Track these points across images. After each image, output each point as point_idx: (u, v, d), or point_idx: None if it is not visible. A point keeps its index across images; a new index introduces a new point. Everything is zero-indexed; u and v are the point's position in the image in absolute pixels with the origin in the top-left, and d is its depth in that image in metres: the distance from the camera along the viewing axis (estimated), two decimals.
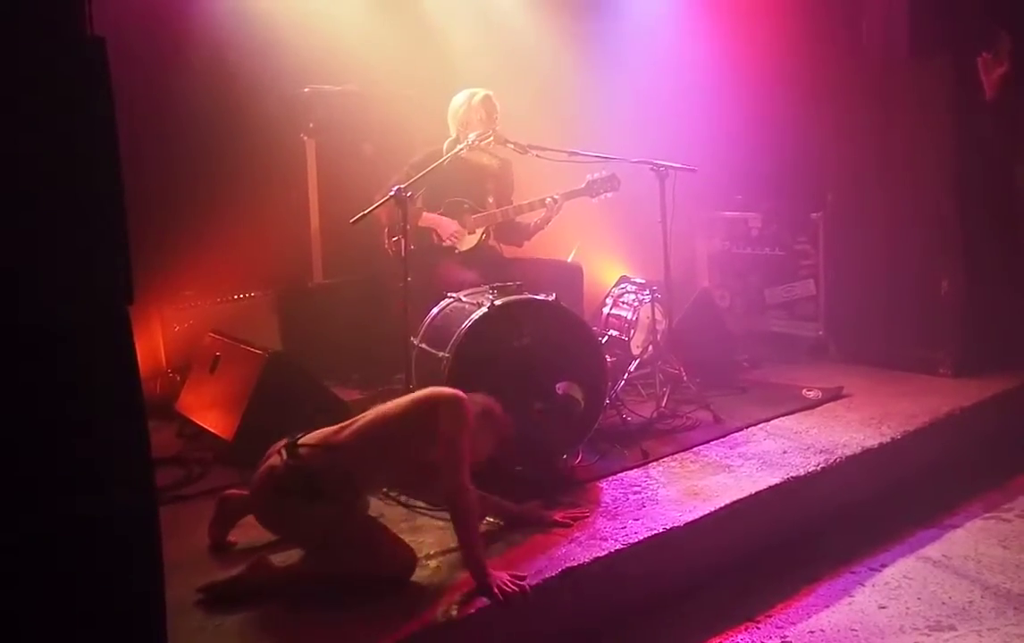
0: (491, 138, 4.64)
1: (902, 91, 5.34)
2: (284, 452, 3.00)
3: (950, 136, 5.20)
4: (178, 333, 5.09)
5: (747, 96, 5.89)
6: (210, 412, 4.29)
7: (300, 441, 3.02)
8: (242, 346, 4.37)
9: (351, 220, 4.20)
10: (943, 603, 3.34)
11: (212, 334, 4.65)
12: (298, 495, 2.89)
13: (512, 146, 4.59)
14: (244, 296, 5.34)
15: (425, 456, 2.98)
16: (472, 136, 4.62)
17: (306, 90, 5.51)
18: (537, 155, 4.54)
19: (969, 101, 5.21)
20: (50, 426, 1.91)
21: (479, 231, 4.85)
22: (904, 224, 5.36)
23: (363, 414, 3.14)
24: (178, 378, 4.84)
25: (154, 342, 5.05)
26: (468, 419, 3.00)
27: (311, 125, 5.53)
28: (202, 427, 4.30)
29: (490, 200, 4.90)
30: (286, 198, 5.45)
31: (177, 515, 3.55)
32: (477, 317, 3.78)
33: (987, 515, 4.08)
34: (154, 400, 4.63)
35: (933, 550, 3.76)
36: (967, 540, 3.85)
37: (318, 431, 3.08)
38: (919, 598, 3.38)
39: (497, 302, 3.81)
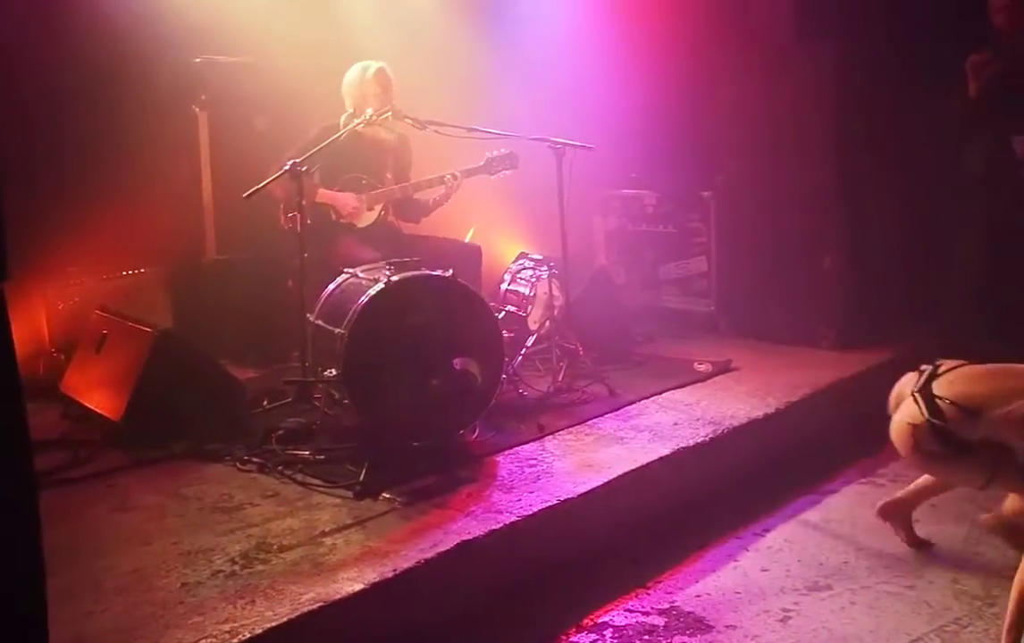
0: (389, 113, 4.60)
1: (788, 75, 5.52)
2: (920, 398, 3.04)
3: (832, 120, 5.40)
4: (63, 311, 4.92)
5: (642, 76, 5.99)
6: (97, 392, 4.18)
7: (935, 393, 3.03)
8: (130, 324, 4.26)
9: (244, 195, 4.13)
10: (820, 564, 3.51)
11: (99, 312, 4.52)
12: (941, 455, 2.99)
13: (410, 121, 4.57)
14: (133, 273, 5.19)
15: None
16: (370, 111, 4.58)
17: (198, 61, 5.36)
18: (436, 131, 4.53)
19: (852, 87, 5.42)
20: None
21: (377, 207, 4.83)
22: (790, 204, 5.56)
23: (994, 374, 3.09)
24: (63, 358, 4.69)
25: (37, 321, 4.87)
26: None
27: (203, 97, 5.39)
28: (89, 408, 4.18)
29: (388, 176, 4.88)
30: (177, 172, 5.30)
31: (65, 499, 3.46)
32: (374, 293, 3.77)
33: (863, 481, 4.30)
34: (37, 381, 4.50)
35: (813, 515, 3.95)
36: (844, 504, 4.06)
37: (957, 374, 3.09)
38: (799, 560, 3.55)
39: (394, 278, 3.81)
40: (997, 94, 4.66)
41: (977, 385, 3.10)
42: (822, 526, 3.84)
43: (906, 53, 5.42)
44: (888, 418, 4.88)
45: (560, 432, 4.10)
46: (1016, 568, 3.30)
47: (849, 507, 4.03)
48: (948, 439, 3.05)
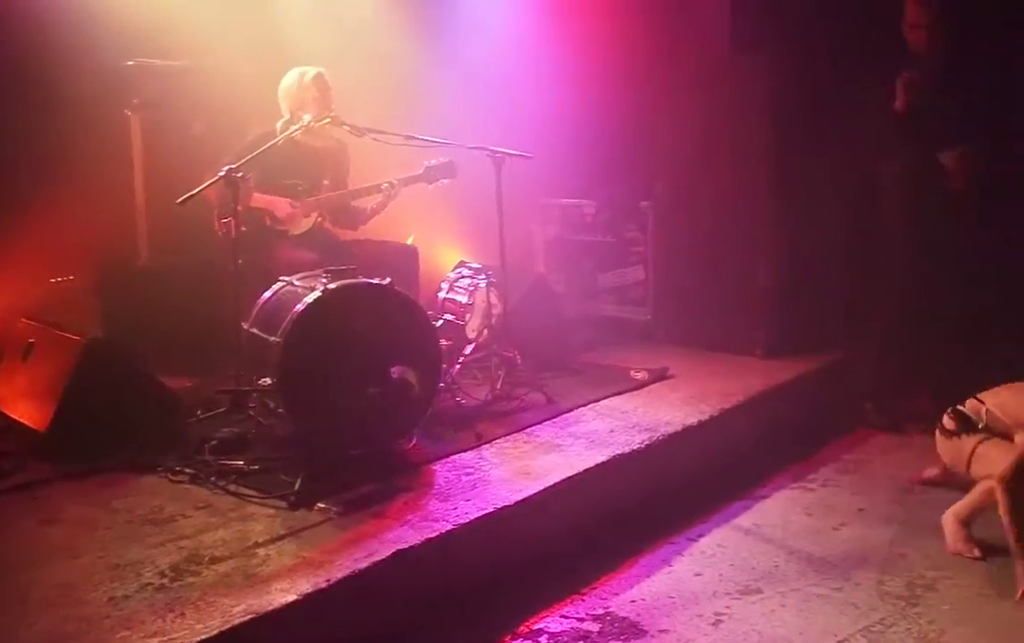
0: (328, 120, 4.57)
1: (725, 88, 5.60)
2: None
3: (767, 132, 5.49)
4: None
5: (582, 86, 6.05)
6: (23, 402, 4.06)
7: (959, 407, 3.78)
8: (58, 332, 4.16)
9: (178, 200, 4.07)
10: (752, 568, 3.58)
11: (25, 320, 4.40)
12: (949, 431, 3.78)
13: (349, 128, 4.55)
14: (62, 280, 5.07)
15: None
16: (307, 117, 4.54)
17: (130, 63, 5.27)
18: (374, 138, 4.51)
19: (788, 98, 5.53)
20: None
21: (314, 214, 4.79)
22: (725, 214, 5.64)
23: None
24: None
25: None
26: None
27: (135, 101, 5.30)
28: (13, 419, 4.07)
29: (325, 183, 4.84)
30: (108, 176, 5.19)
31: None
32: (310, 301, 3.74)
33: (794, 485, 4.39)
34: None
35: (745, 519, 4.02)
36: (776, 509, 4.14)
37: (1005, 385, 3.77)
38: (731, 564, 3.61)
39: (330, 286, 3.79)
40: (923, 109, 4.78)
41: (1002, 391, 3.76)
42: (754, 530, 3.91)
43: (842, 65, 5.55)
44: (818, 424, 5.05)
45: (497, 440, 4.11)
46: (941, 568, 3.45)
47: (781, 511, 4.11)
48: (959, 419, 3.75)
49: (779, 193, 5.56)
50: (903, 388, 5.18)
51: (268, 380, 3.73)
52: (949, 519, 3.70)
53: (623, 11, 5.96)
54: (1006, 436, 3.66)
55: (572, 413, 4.48)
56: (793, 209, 5.61)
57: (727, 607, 3.29)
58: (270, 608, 2.70)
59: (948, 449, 3.85)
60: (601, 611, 3.27)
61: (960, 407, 3.81)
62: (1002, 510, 3.37)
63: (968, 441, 3.74)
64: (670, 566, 3.60)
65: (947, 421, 3.83)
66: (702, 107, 5.71)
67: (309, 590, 2.80)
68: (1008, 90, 4.81)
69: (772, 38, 5.57)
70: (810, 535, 3.86)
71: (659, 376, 5.08)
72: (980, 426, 3.73)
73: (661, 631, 3.14)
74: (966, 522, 3.65)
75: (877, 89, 4.92)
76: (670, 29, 5.94)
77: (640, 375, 5.06)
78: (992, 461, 3.60)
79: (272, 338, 3.74)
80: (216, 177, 4.01)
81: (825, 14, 5.55)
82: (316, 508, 3.38)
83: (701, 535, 3.85)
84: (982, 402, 3.77)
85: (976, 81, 4.80)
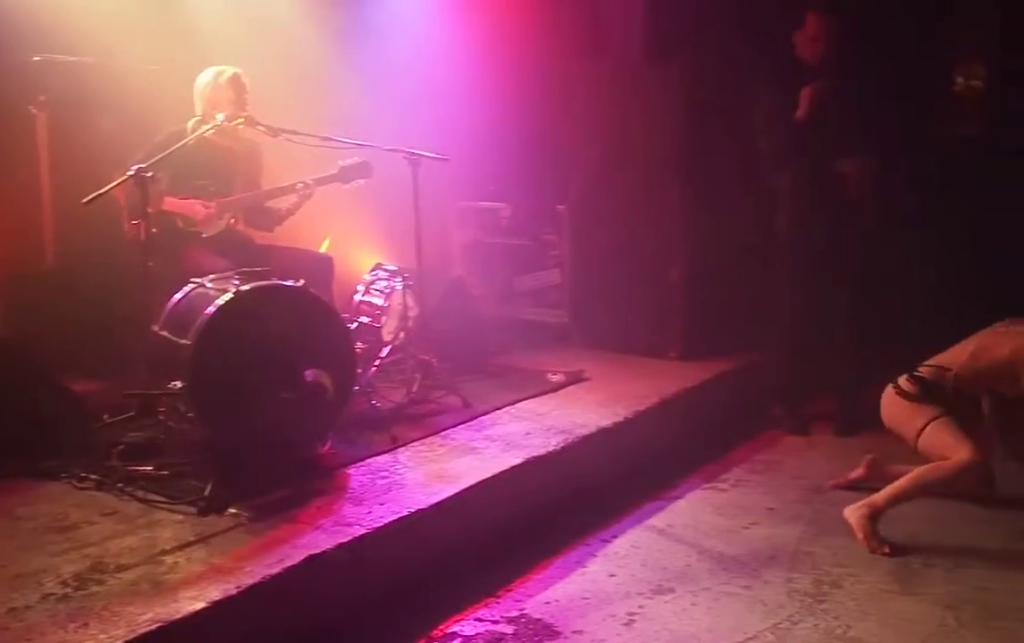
0: (242, 121, 4.50)
1: (638, 95, 5.71)
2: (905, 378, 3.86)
3: (679, 138, 5.61)
4: None
5: (498, 90, 6.08)
6: None
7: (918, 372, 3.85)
8: None
9: (84, 200, 3.96)
10: (664, 568, 3.64)
11: None
12: (909, 392, 3.82)
13: (263, 129, 4.49)
14: None
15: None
16: (220, 117, 4.46)
17: (36, 59, 5.10)
18: (288, 139, 4.46)
19: (699, 107, 5.65)
20: None
21: (227, 216, 4.71)
22: (640, 218, 5.74)
23: (969, 341, 3.83)
24: None
25: None
26: None
27: (42, 98, 5.13)
28: None
29: (238, 183, 4.76)
30: (13, 175, 5.02)
31: None
32: (221, 303, 3.68)
33: (706, 486, 4.48)
34: None
35: (658, 520, 4.08)
36: (688, 510, 4.21)
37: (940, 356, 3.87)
38: (644, 565, 3.67)
39: (243, 288, 3.74)
40: (822, 119, 4.93)
41: (958, 351, 3.85)
42: (667, 531, 3.98)
43: (749, 74, 5.68)
44: (730, 425, 5.17)
45: (413, 443, 4.10)
46: (847, 565, 3.58)
47: (693, 512, 4.19)
48: (920, 384, 3.82)
49: (691, 197, 5.68)
50: (809, 391, 5.34)
51: (178, 384, 3.65)
52: (862, 514, 3.75)
53: (539, 17, 6.02)
54: (981, 389, 3.76)
55: (488, 416, 4.50)
56: (705, 213, 5.73)
57: (640, 607, 3.34)
58: (178, 616, 2.65)
59: (899, 411, 3.86)
60: (516, 613, 3.29)
61: (918, 373, 3.82)
62: None
63: (925, 411, 3.75)
64: (584, 567, 3.64)
65: (905, 384, 3.84)
66: (616, 113, 5.79)
67: (219, 598, 2.75)
68: (900, 100, 5.02)
69: (684, 47, 5.69)
70: (721, 535, 3.94)
71: (575, 379, 5.14)
72: (947, 391, 3.75)
73: (575, 632, 3.17)
74: (875, 518, 3.75)
75: (780, 98, 5.06)
76: (586, 36, 6.02)
77: (556, 378, 5.11)
78: (942, 446, 3.69)
79: (183, 341, 3.66)
80: (125, 177, 3.92)
81: (735, 26, 5.70)
82: (227, 514, 3.32)
83: (615, 536, 3.90)
84: (948, 369, 3.78)
85: (869, 91, 4.99)
